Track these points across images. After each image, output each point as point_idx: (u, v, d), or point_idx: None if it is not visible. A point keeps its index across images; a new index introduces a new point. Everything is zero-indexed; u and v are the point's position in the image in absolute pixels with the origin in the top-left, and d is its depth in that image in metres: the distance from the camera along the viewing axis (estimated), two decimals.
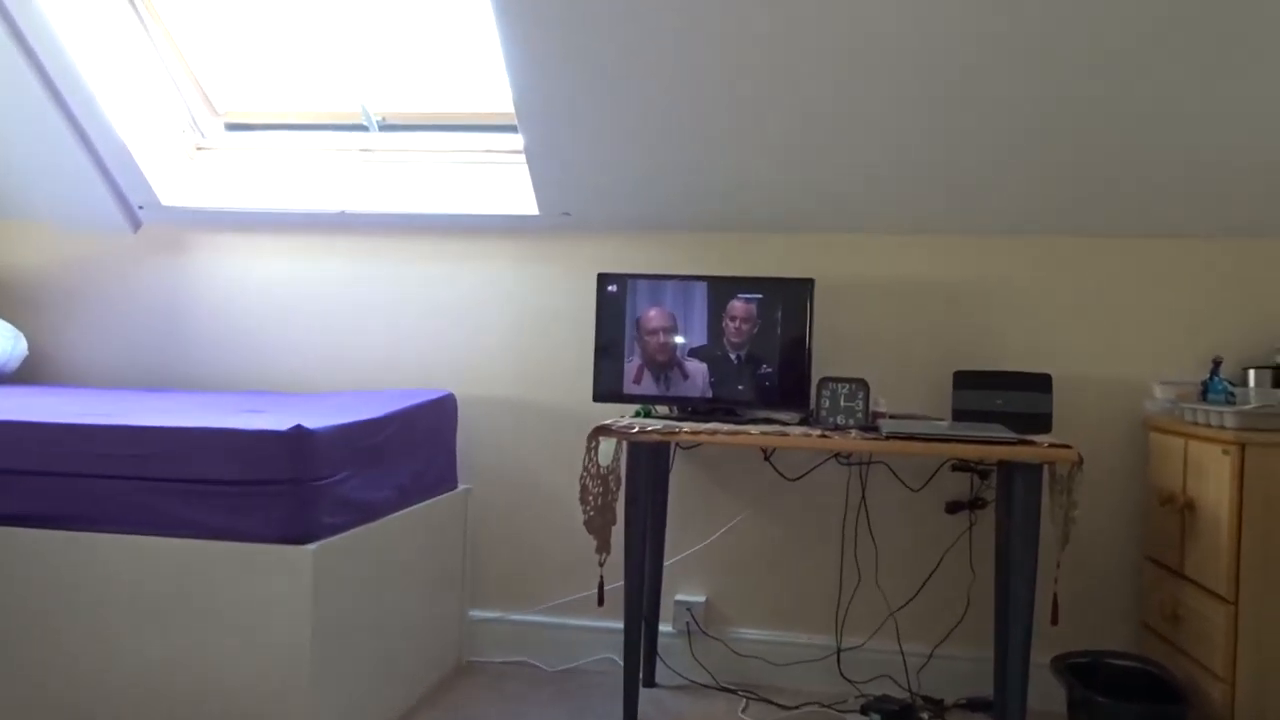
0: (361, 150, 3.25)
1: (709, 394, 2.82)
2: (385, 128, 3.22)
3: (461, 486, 3.06)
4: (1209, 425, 2.46)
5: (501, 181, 3.14)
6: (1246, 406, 2.49)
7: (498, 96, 3.04)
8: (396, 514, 2.56)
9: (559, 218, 3.09)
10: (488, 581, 3.18)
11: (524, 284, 3.18)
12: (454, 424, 3.01)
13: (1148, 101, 2.52)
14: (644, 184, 2.95)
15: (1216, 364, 2.77)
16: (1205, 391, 2.75)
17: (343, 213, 3.19)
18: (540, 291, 3.17)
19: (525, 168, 2.97)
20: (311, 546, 2.11)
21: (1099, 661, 2.56)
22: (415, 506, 2.68)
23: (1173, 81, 2.46)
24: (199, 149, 3.38)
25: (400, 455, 2.59)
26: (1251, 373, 2.68)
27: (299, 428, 2.11)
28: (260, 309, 3.34)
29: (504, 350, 3.18)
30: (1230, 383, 2.72)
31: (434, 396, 2.86)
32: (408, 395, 2.85)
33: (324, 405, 2.68)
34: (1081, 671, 2.54)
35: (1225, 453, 2.32)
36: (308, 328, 3.30)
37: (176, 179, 3.33)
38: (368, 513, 2.39)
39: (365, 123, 3.21)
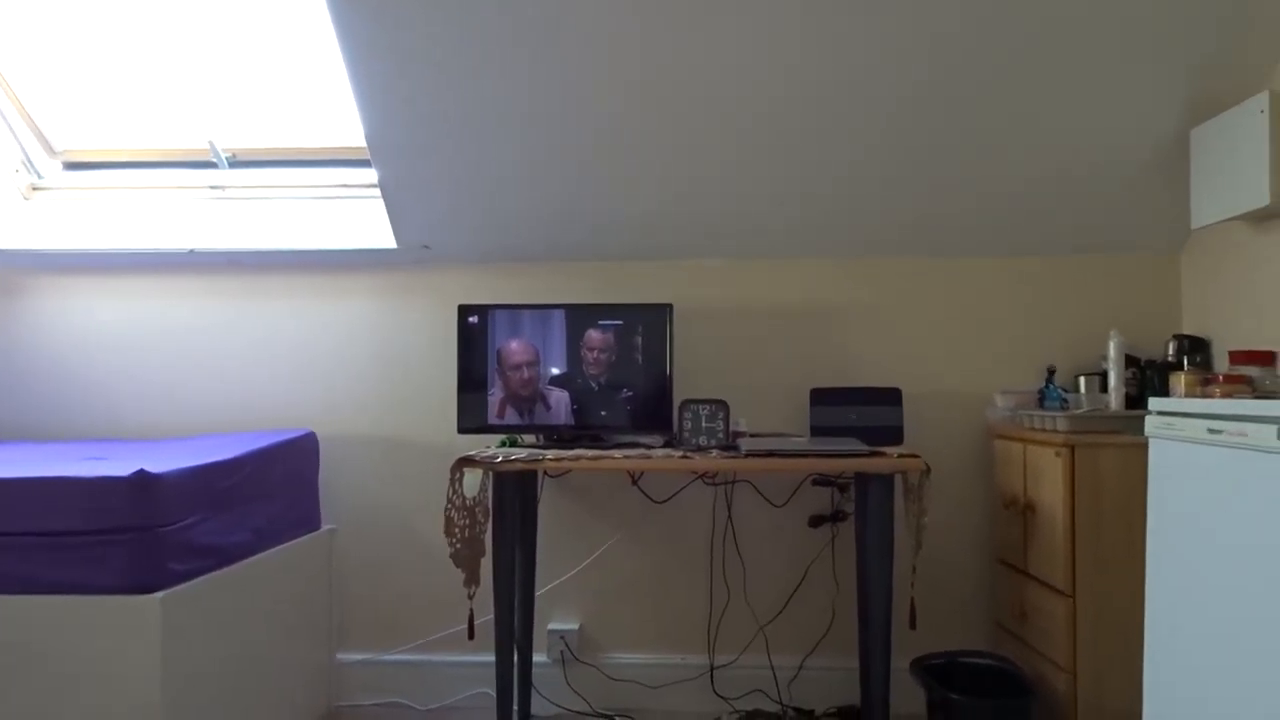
0: (211, 187, 3.16)
1: (572, 421, 2.84)
2: (235, 164, 3.15)
3: (325, 527, 2.99)
4: (1044, 430, 2.62)
5: (358, 216, 3.11)
6: (1077, 411, 2.65)
7: (350, 131, 3.01)
8: (254, 558, 2.48)
9: (418, 251, 3.08)
10: (356, 623, 3.11)
11: (385, 318, 3.14)
12: (315, 463, 2.94)
13: (979, 132, 2.69)
14: (502, 215, 2.97)
15: (1050, 372, 2.94)
16: (1042, 399, 2.92)
17: (192, 251, 3.09)
18: (402, 325, 3.14)
19: (381, 202, 2.95)
20: (159, 595, 2.03)
21: (955, 661, 2.67)
22: (275, 549, 2.61)
23: (1001, 113, 2.63)
24: (35, 189, 3.23)
25: (256, 497, 2.52)
26: (1082, 379, 2.85)
27: (142, 472, 2.04)
28: (107, 353, 3.20)
29: (366, 386, 3.14)
30: (1064, 389, 2.90)
31: (292, 436, 2.79)
32: (264, 436, 2.77)
33: (174, 450, 2.59)
34: (939, 672, 2.64)
35: (1057, 455, 2.47)
36: (159, 371, 3.18)
37: (11, 221, 3.18)
38: (222, 557, 2.31)
39: (214, 159, 3.13)
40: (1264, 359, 2.47)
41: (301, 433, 2.86)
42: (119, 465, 2.17)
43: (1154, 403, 1.77)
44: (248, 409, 3.15)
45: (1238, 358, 2.49)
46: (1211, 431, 1.56)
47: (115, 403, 3.19)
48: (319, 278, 3.16)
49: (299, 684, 2.78)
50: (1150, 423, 1.78)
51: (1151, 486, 1.77)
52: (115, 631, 2.02)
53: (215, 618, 2.28)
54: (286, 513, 2.70)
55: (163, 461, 2.23)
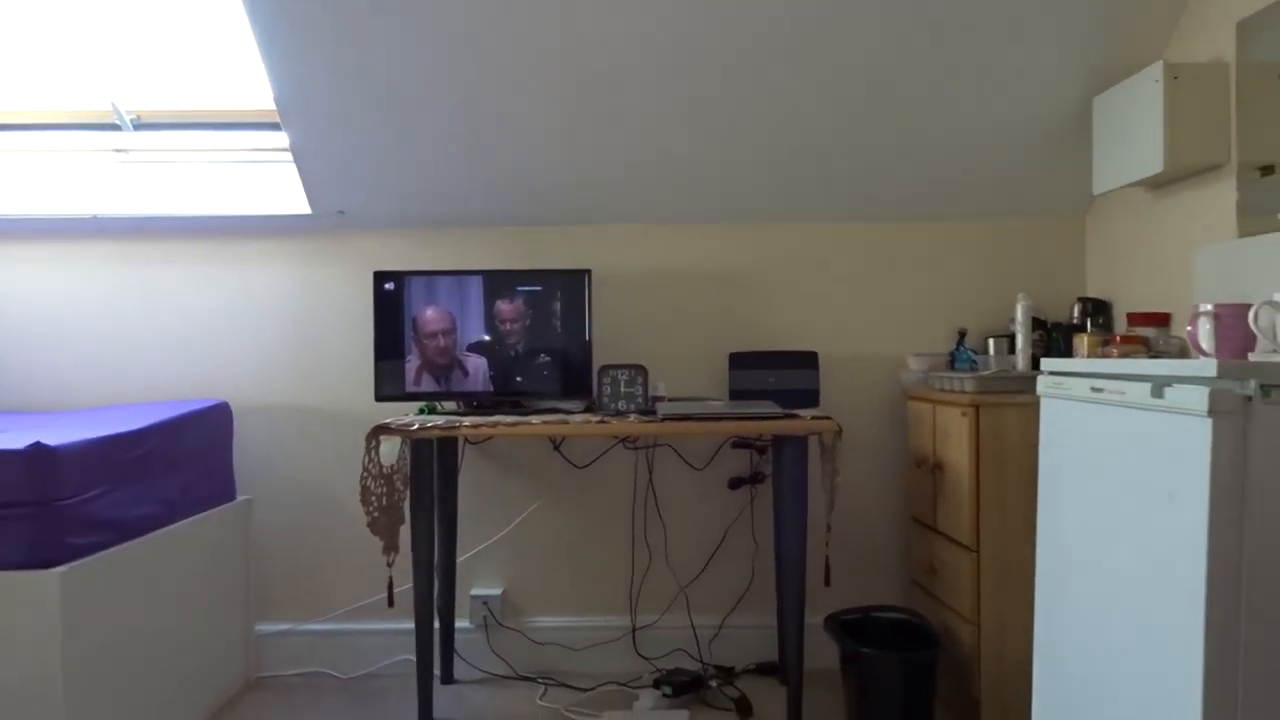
0: (115, 150, 3.07)
1: (491, 388, 2.84)
2: (140, 126, 3.06)
3: (241, 497, 2.95)
4: (952, 391, 2.68)
5: (271, 181, 3.04)
6: (984, 373, 2.72)
7: (262, 93, 2.94)
8: (163, 530, 2.44)
9: (333, 217, 3.03)
10: (275, 593, 3.08)
11: (300, 285, 3.09)
12: (229, 434, 2.89)
13: (892, 100, 2.72)
14: (419, 181, 2.93)
15: (961, 335, 3.01)
16: (953, 361, 3.00)
17: (95, 217, 3.00)
18: (317, 293, 3.09)
19: (294, 167, 2.89)
20: (58, 570, 1.99)
21: (868, 617, 2.74)
22: (186, 521, 2.57)
23: (911, 80, 2.66)
24: None
25: (165, 469, 2.47)
26: (991, 341, 2.93)
27: (38, 445, 1.99)
28: (8, 324, 3.10)
29: (281, 355, 3.09)
30: (974, 352, 2.97)
31: (203, 406, 2.74)
32: (173, 407, 2.72)
33: (78, 422, 2.53)
34: (853, 627, 2.71)
35: (963, 415, 2.53)
36: (65, 342, 3.10)
37: None
38: (127, 531, 2.27)
39: (117, 121, 3.03)
40: (1160, 320, 2.56)
41: (213, 403, 2.81)
42: (16, 438, 2.12)
43: (1045, 363, 1.83)
44: (159, 380, 3.09)
45: (1135, 319, 2.58)
46: (1094, 390, 1.62)
47: (17, 375, 3.10)
48: (231, 244, 3.09)
49: (217, 656, 2.76)
50: (1041, 383, 1.84)
51: (1042, 443, 1.84)
52: (13, 607, 1.98)
53: (121, 592, 2.25)
54: (198, 484, 2.66)
55: (64, 434, 2.18)
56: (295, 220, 3.04)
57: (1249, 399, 1.29)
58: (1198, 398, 1.32)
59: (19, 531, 1.98)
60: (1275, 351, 1.54)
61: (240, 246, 3.09)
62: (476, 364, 2.83)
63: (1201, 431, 1.32)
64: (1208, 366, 1.32)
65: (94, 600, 2.12)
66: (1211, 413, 1.30)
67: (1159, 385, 1.43)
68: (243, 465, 3.05)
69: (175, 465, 2.53)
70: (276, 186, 3.03)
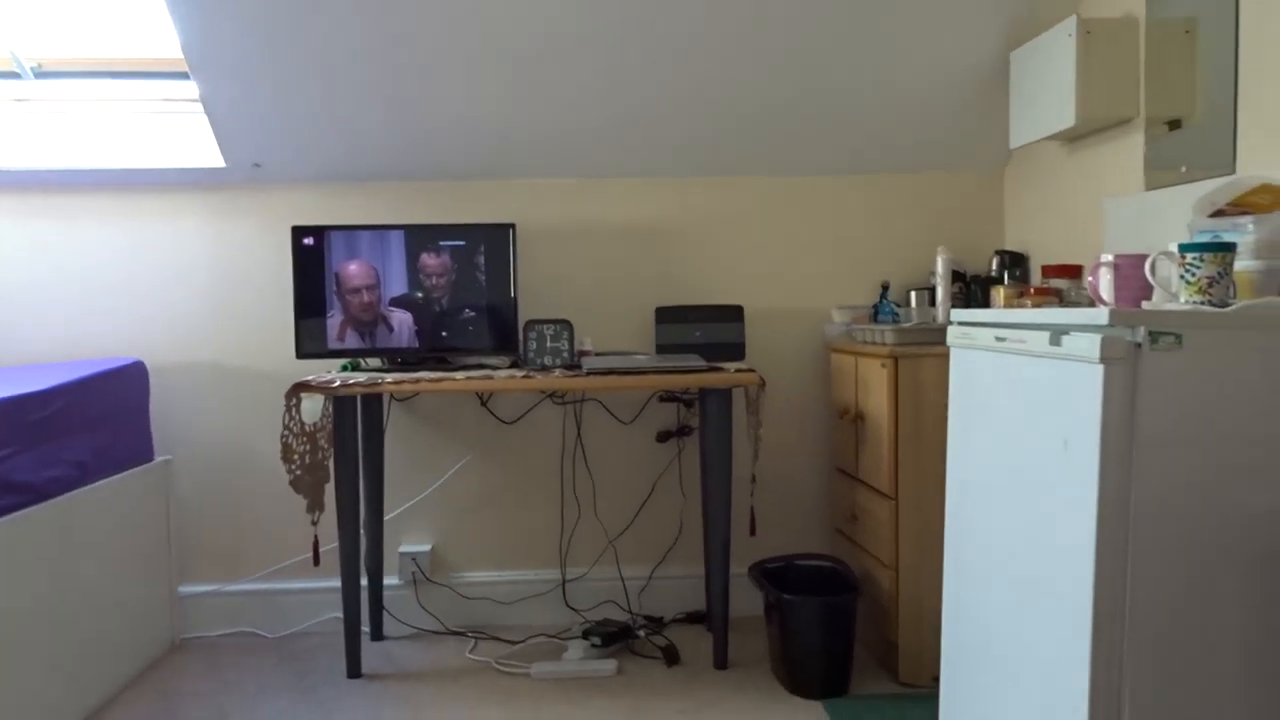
0: (15, 100, 2.94)
1: (416, 344, 2.81)
2: (42, 75, 2.93)
3: (159, 458, 2.89)
4: (874, 343, 2.73)
5: (182, 132, 2.95)
6: (904, 325, 2.77)
7: (169, 41, 2.84)
8: (77, 492, 2.39)
9: (249, 170, 2.95)
10: (199, 554, 3.05)
11: (216, 240, 3.02)
12: (145, 393, 2.83)
13: (811, 53, 2.72)
14: (338, 133, 2.87)
15: (884, 288, 3.06)
16: (875, 314, 3.04)
17: None
18: (234, 248, 3.02)
19: (205, 117, 2.81)
20: None
21: (791, 565, 2.80)
22: (102, 482, 2.52)
23: (830, 33, 2.67)
24: None
25: (76, 430, 2.41)
26: (913, 294, 2.97)
27: None
28: None
29: (199, 312, 3.02)
30: (896, 305, 3.02)
31: (116, 365, 2.68)
32: (84, 366, 2.65)
33: None
34: (776, 575, 2.76)
35: (883, 366, 2.58)
36: None
37: None
38: (37, 493, 2.22)
39: (18, 70, 2.91)
40: (1072, 272, 2.62)
41: (127, 362, 2.75)
42: None
43: (954, 315, 1.87)
44: (69, 340, 3.00)
45: (1049, 271, 2.64)
46: (998, 340, 1.66)
47: None
48: (144, 198, 3.00)
49: (140, 619, 2.72)
50: (951, 333, 1.87)
51: (951, 392, 1.88)
52: None
53: (32, 555, 2.20)
54: (114, 445, 2.60)
55: None
56: (209, 174, 2.96)
57: (1138, 346, 1.34)
58: (1090, 345, 1.36)
59: None
60: (1171, 301, 1.59)
61: (152, 201, 3.00)
62: (401, 319, 2.80)
63: (1093, 378, 1.36)
64: (1100, 315, 1.36)
65: (3, 565, 2.07)
66: (1103, 360, 1.34)
67: (1056, 334, 1.47)
68: (161, 425, 2.99)
69: (87, 426, 2.47)
70: (189, 138, 2.94)
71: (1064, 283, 2.62)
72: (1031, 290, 2.51)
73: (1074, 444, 1.41)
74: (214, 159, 2.91)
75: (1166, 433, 1.35)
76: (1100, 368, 1.35)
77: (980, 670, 1.74)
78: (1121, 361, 1.34)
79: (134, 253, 3.00)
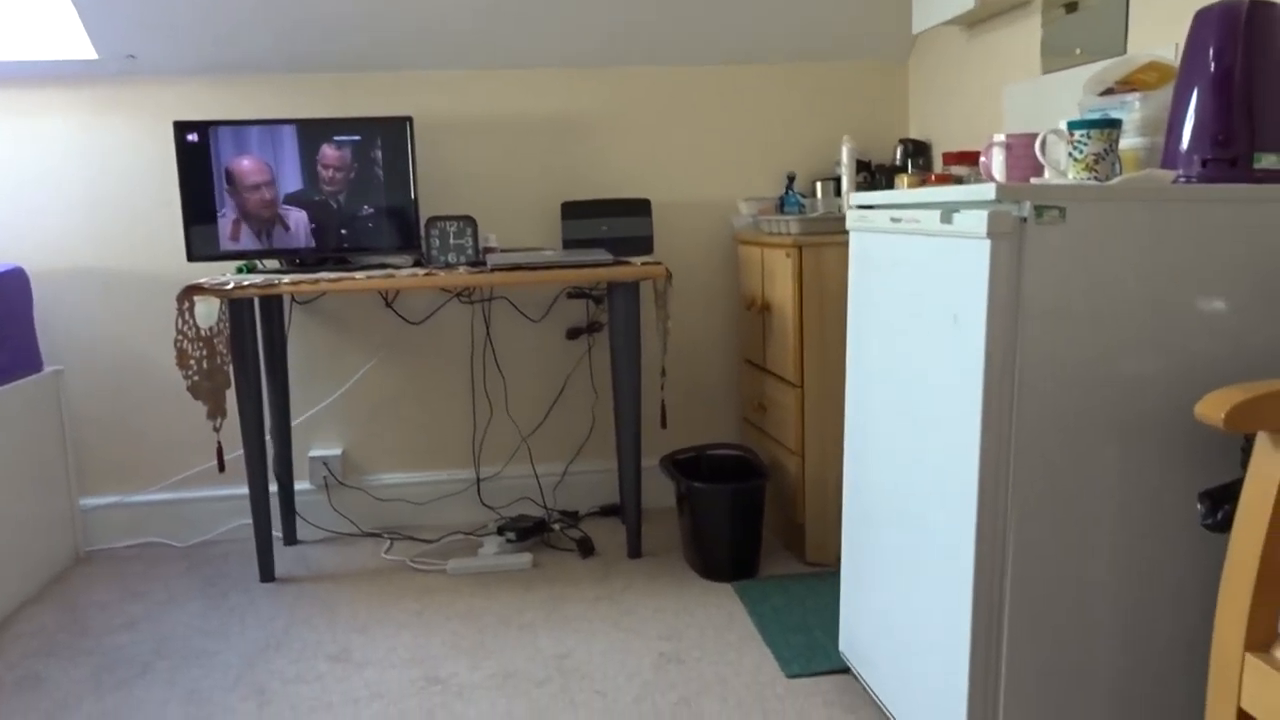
0: None
1: (313, 244, 2.73)
2: None
3: (49, 368, 2.78)
4: (778, 234, 2.74)
5: (48, 22, 2.75)
6: (810, 215, 2.78)
7: None
8: None
9: (123, 62, 2.78)
10: (98, 466, 2.96)
11: (93, 139, 2.85)
12: (27, 301, 2.70)
13: None
14: (220, 21, 2.71)
15: (790, 179, 3.05)
16: (782, 205, 3.05)
17: None
18: (113, 146, 2.86)
19: (72, 5, 2.62)
20: None
21: (702, 455, 2.85)
22: None
23: None
24: None
25: None
26: (819, 184, 2.98)
27: None
28: None
29: (78, 215, 2.87)
30: (802, 195, 3.02)
31: None
32: None
33: None
34: (688, 466, 2.81)
35: (788, 256, 2.59)
36: None
37: None
38: None
39: None
40: (971, 159, 2.65)
41: (5, 268, 2.61)
42: None
43: (853, 197, 1.88)
44: None
45: (950, 158, 2.66)
46: (893, 220, 1.67)
47: None
48: (8, 94, 2.81)
49: (39, 532, 2.65)
50: (850, 217, 1.89)
51: (851, 275, 1.90)
52: None
53: None
54: None
55: None
56: (80, 66, 2.78)
57: (1023, 221, 1.36)
58: (977, 221, 1.38)
59: None
60: (1060, 179, 1.62)
61: (19, 96, 2.81)
62: (297, 219, 2.71)
63: (981, 253, 1.39)
64: (988, 190, 1.38)
65: None
66: (989, 234, 1.36)
67: (947, 211, 1.48)
68: (48, 335, 2.86)
69: None
70: (56, 29, 2.74)
71: (964, 169, 2.65)
72: (933, 178, 2.53)
73: (963, 319, 1.45)
74: (84, 50, 2.72)
75: (1051, 305, 1.38)
76: (987, 242, 1.37)
77: (877, 545, 1.81)
78: (1007, 236, 1.37)
79: (2, 154, 2.82)
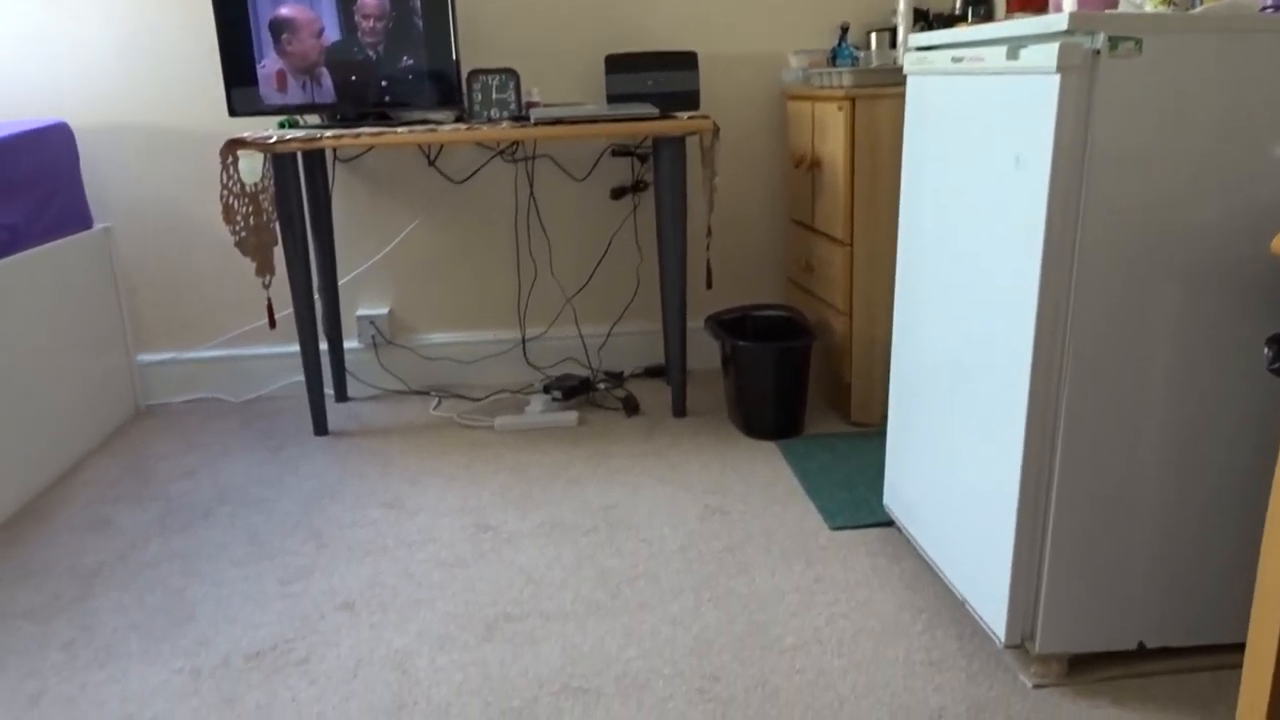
0: None
1: (357, 98, 2.68)
2: None
3: (99, 226, 2.80)
4: (831, 87, 2.64)
5: None
6: (865, 67, 2.67)
7: None
8: (10, 258, 2.32)
9: None
10: (152, 323, 3.01)
11: None
12: (74, 157, 2.70)
13: None
14: None
15: (843, 30, 2.93)
16: (834, 58, 2.93)
17: None
18: None
19: None
20: None
21: (747, 315, 2.83)
22: (37, 249, 2.44)
23: None
24: None
25: (3, 193, 2.31)
26: (873, 35, 2.86)
27: None
28: None
29: (120, 69, 2.83)
30: (855, 47, 2.90)
31: (37, 126, 2.54)
32: (1, 126, 2.51)
33: None
34: (733, 326, 2.80)
35: (839, 109, 2.51)
36: None
37: None
38: None
39: None
40: (1039, 4, 2.51)
41: (50, 122, 2.60)
42: None
43: (912, 39, 1.79)
44: None
45: (1014, 5, 2.53)
46: (955, 60, 1.59)
47: None
48: None
49: (101, 385, 2.73)
50: (908, 60, 1.80)
51: (907, 123, 1.83)
52: None
53: None
54: (44, 210, 2.50)
55: None
56: None
57: (1097, 54, 1.29)
58: (1046, 55, 1.31)
59: None
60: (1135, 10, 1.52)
61: None
62: (336, 70, 2.65)
63: (1049, 89, 1.32)
64: (1060, 21, 1.30)
65: None
66: (1059, 69, 1.29)
67: (1014, 47, 1.41)
68: (94, 193, 2.87)
69: (13, 190, 2.36)
70: None
71: (1029, 17, 2.52)
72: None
73: (1026, 160, 1.39)
74: None
75: (1120, 145, 1.32)
76: (1056, 78, 1.30)
77: (927, 397, 1.79)
78: (1079, 70, 1.30)
79: (41, 6, 2.77)
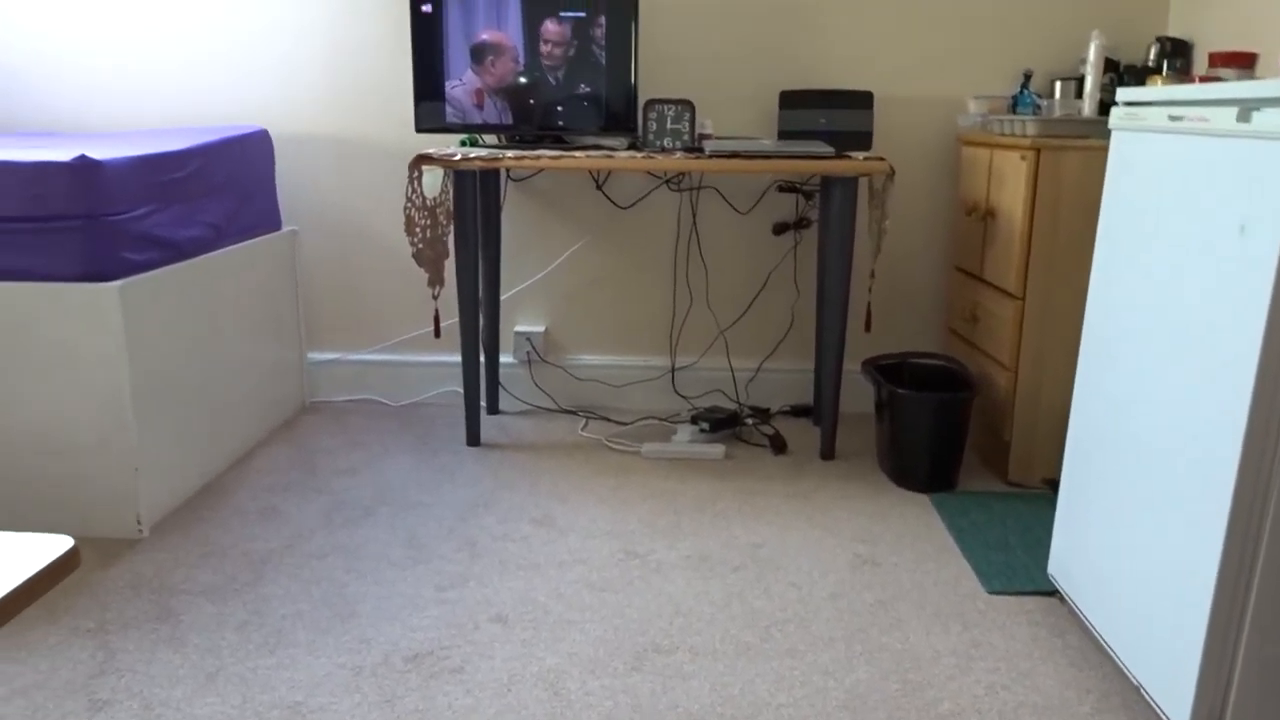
0: None
1: (534, 121, 2.75)
2: None
3: (286, 228, 2.96)
4: (1013, 134, 2.57)
5: None
6: (1050, 116, 2.59)
7: None
8: (213, 253, 2.48)
9: None
10: (324, 324, 3.16)
11: (332, 7, 2.95)
12: (270, 162, 2.87)
13: None
14: None
15: (1026, 77, 2.85)
16: (1015, 104, 2.85)
17: None
18: (351, 14, 2.95)
19: None
20: (117, 284, 2.04)
21: (905, 362, 2.77)
22: (235, 246, 2.60)
23: None
24: None
25: (209, 192, 2.47)
26: (1058, 84, 2.77)
27: (84, 158, 1.98)
28: (36, 43, 3.02)
29: (318, 82, 2.99)
30: (1038, 95, 2.82)
31: (243, 132, 2.70)
32: (211, 131, 2.68)
33: (117, 142, 2.50)
34: (889, 372, 2.75)
35: (1023, 159, 2.44)
36: (96, 60, 3.01)
37: None
38: (179, 251, 2.30)
39: None
40: (1244, 61, 2.39)
41: (253, 129, 2.77)
42: (60, 152, 2.10)
43: (1121, 93, 1.72)
44: (193, 105, 3.02)
45: (1217, 60, 2.41)
46: (1172, 119, 1.53)
47: (50, 97, 3.05)
48: None
49: (274, 379, 2.87)
50: (1115, 114, 1.73)
51: (1108, 180, 1.76)
52: (76, 318, 2.04)
53: (179, 310, 2.30)
54: (243, 210, 2.66)
55: (106, 151, 2.16)
56: None
57: None
58: None
59: (71, 243, 2.01)
60: None
61: None
62: (520, 94, 2.74)
63: None
64: None
65: (154, 315, 2.18)
66: None
67: (1246, 109, 1.34)
68: (284, 196, 3.04)
69: (218, 190, 2.52)
70: None
71: (1233, 73, 2.40)
72: (1196, 80, 2.31)
73: (1252, 228, 1.32)
74: None
75: None
76: None
77: (1107, 471, 1.71)
78: None
79: (251, 19, 2.96)
